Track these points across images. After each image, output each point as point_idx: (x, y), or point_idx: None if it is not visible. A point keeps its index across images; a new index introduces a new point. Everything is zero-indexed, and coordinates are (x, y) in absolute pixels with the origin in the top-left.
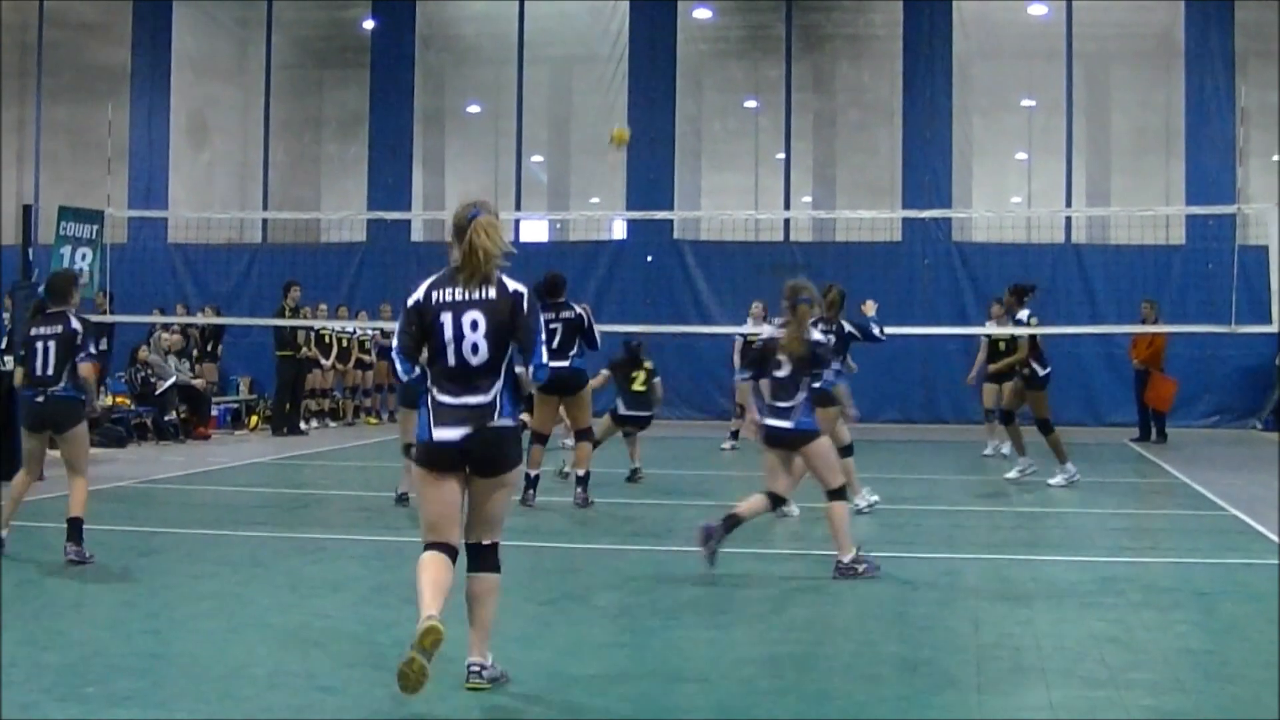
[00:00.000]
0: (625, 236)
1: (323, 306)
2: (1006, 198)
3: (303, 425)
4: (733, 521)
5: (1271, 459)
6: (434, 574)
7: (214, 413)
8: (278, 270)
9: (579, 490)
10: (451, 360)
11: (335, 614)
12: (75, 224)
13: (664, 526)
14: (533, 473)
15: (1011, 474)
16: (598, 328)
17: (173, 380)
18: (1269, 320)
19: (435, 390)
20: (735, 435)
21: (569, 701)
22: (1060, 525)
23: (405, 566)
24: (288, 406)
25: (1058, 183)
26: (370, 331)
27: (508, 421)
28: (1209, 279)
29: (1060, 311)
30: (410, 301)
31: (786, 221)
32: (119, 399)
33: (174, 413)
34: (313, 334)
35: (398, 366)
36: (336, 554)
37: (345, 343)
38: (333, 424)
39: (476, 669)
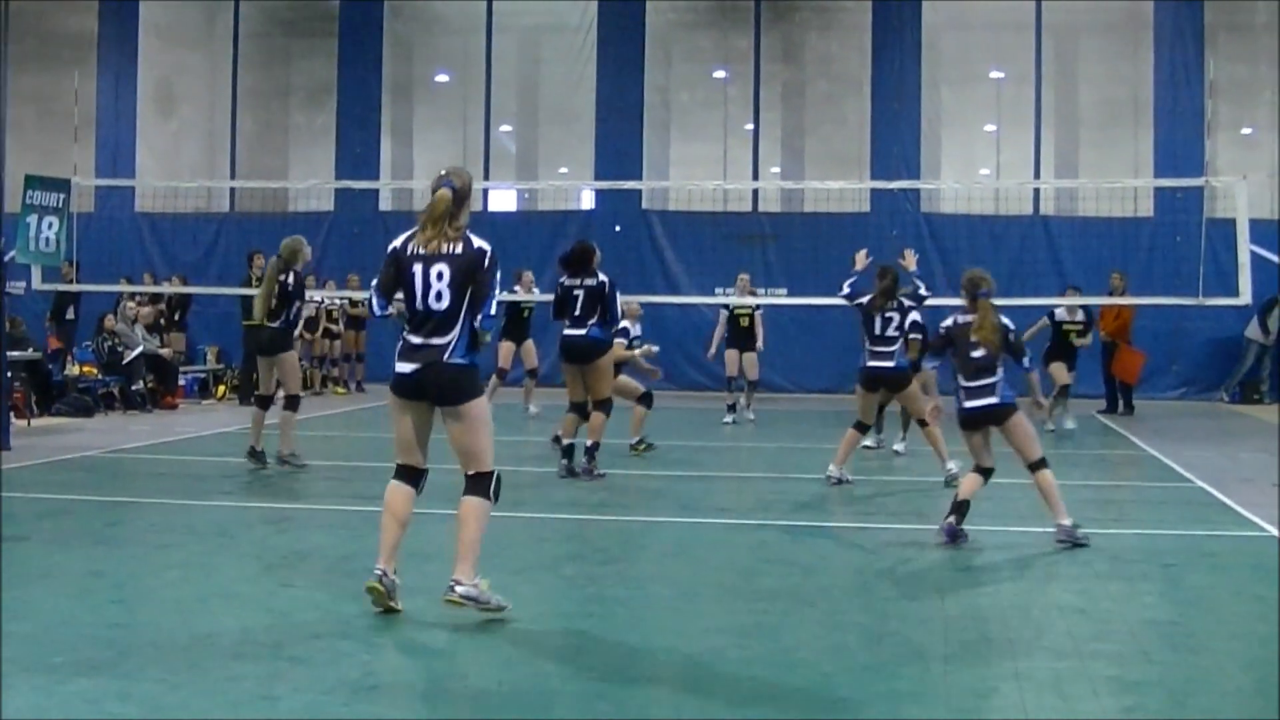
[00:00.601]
0: (593, 206)
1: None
2: (975, 169)
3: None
4: (964, 507)
5: (1238, 431)
6: (392, 506)
7: (181, 382)
8: (245, 239)
9: (587, 461)
10: (419, 306)
11: (302, 584)
12: (42, 192)
13: (632, 497)
14: (587, 441)
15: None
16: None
17: (140, 350)
18: (1236, 293)
19: (406, 331)
20: (733, 409)
21: (536, 670)
22: (1027, 496)
23: (372, 536)
24: (255, 376)
25: (1026, 155)
26: (338, 301)
27: (459, 360)
28: (1177, 251)
29: (1028, 283)
30: (389, 248)
31: (755, 192)
32: (86, 368)
33: (141, 382)
34: None
35: (374, 302)
36: (303, 524)
37: (313, 312)
38: (302, 392)
39: (454, 583)
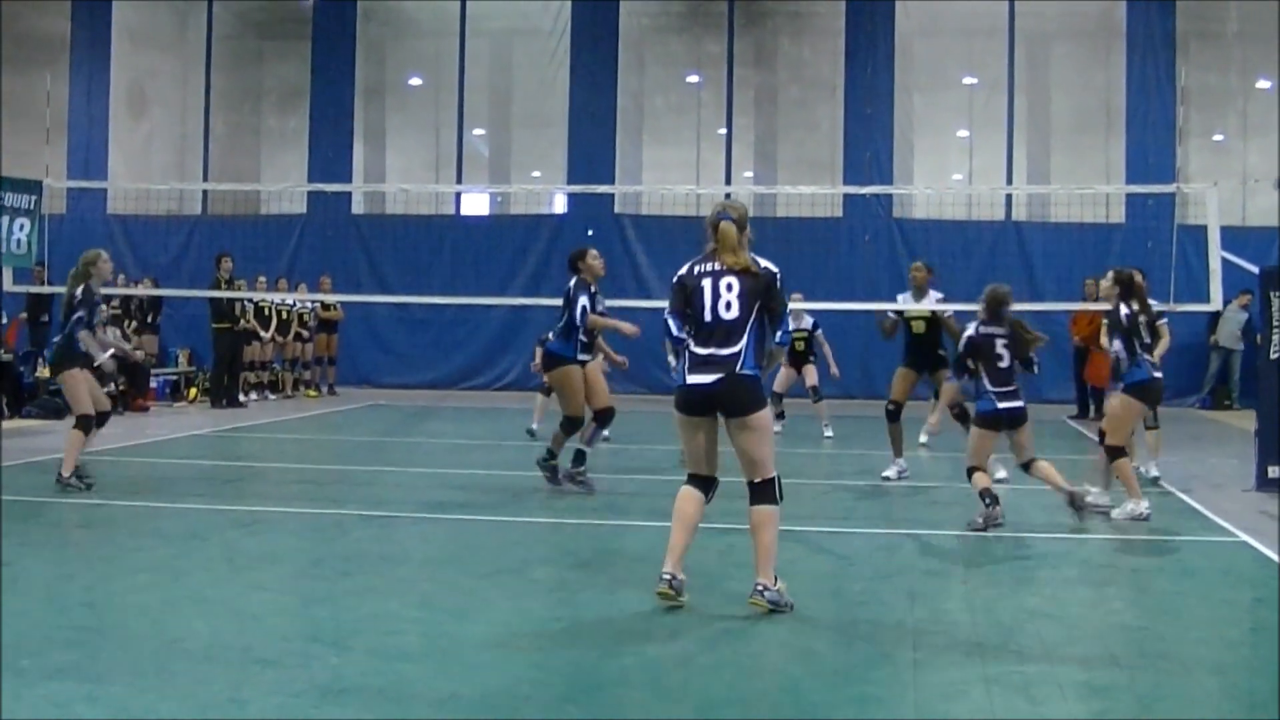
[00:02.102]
0: (566, 211)
1: (262, 279)
2: (947, 175)
3: (242, 397)
4: (1077, 499)
5: (1208, 437)
6: (685, 512)
7: (153, 385)
8: (217, 242)
9: (572, 465)
10: (708, 316)
11: (272, 587)
12: (13, 194)
13: (603, 501)
14: (583, 447)
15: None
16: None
17: (111, 352)
18: (1207, 299)
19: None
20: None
21: (505, 674)
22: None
23: (342, 540)
24: (226, 379)
25: (998, 160)
26: (310, 304)
27: (748, 371)
28: (1148, 257)
29: None
30: (675, 277)
31: (727, 197)
32: None
33: (112, 384)
34: (252, 306)
35: (670, 324)
36: (274, 527)
37: (285, 315)
38: (272, 396)
39: (760, 588)
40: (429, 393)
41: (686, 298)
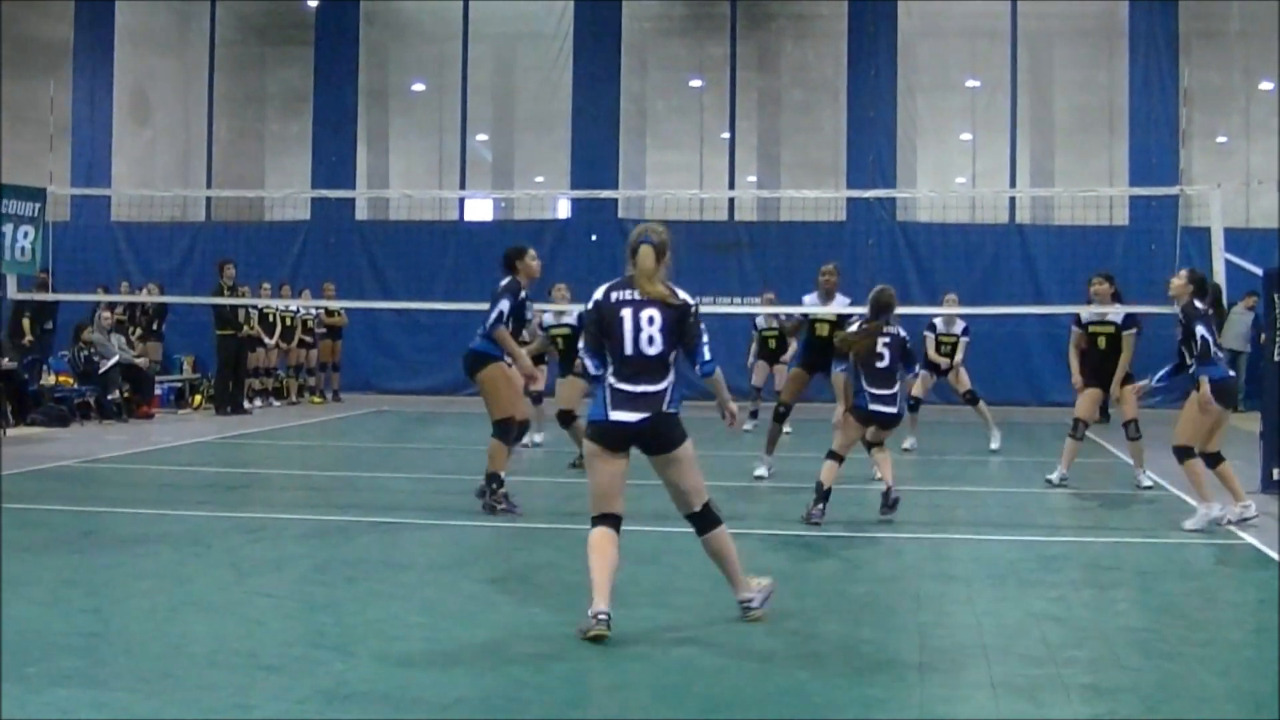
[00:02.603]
0: (569, 215)
1: (266, 285)
2: (951, 178)
3: (246, 404)
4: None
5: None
6: (603, 550)
7: (157, 392)
8: (221, 248)
9: (488, 492)
10: (629, 351)
11: (276, 593)
12: (17, 201)
13: None
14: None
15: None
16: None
17: (116, 359)
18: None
19: (614, 379)
20: (754, 415)
21: (509, 678)
22: (1001, 504)
23: (347, 545)
24: (231, 385)
25: (1002, 163)
26: (314, 311)
27: (673, 409)
28: (1151, 260)
29: (1003, 291)
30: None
31: (731, 201)
32: (62, 378)
33: (117, 392)
34: (256, 312)
35: (588, 364)
36: (278, 533)
37: (289, 321)
38: (276, 403)
39: (746, 603)
40: (433, 398)
41: (604, 329)
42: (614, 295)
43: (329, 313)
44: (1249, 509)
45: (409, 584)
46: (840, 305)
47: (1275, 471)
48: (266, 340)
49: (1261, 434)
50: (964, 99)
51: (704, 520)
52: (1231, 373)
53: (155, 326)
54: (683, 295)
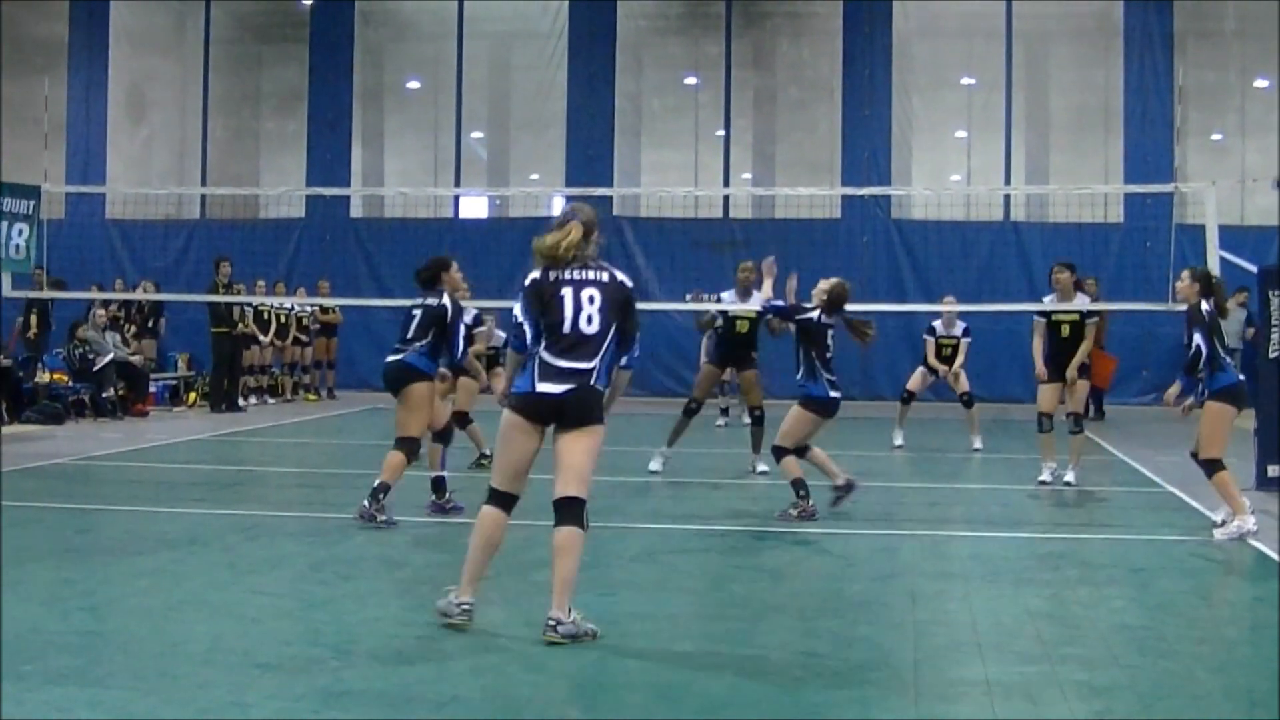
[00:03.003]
0: None
1: (260, 283)
2: (945, 175)
3: (241, 402)
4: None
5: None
6: (489, 534)
7: (152, 389)
8: (216, 246)
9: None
10: (568, 329)
11: (272, 591)
12: (12, 199)
13: (603, 504)
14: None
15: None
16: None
17: (110, 357)
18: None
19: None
20: (725, 412)
21: (506, 676)
22: (997, 501)
23: (343, 543)
24: (226, 383)
25: (997, 161)
26: (309, 308)
27: (600, 386)
28: (1147, 257)
29: (999, 289)
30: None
31: (726, 198)
32: (56, 375)
33: (112, 389)
34: (251, 310)
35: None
36: (274, 531)
37: (284, 319)
38: (271, 400)
39: (554, 623)
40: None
41: (544, 306)
42: (552, 274)
43: (324, 310)
44: (1247, 523)
45: (405, 582)
46: (757, 302)
47: (1270, 468)
48: (261, 338)
49: (1256, 431)
50: (959, 97)
51: (566, 512)
52: (1241, 376)
53: (150, 324)
54: (621, 276)
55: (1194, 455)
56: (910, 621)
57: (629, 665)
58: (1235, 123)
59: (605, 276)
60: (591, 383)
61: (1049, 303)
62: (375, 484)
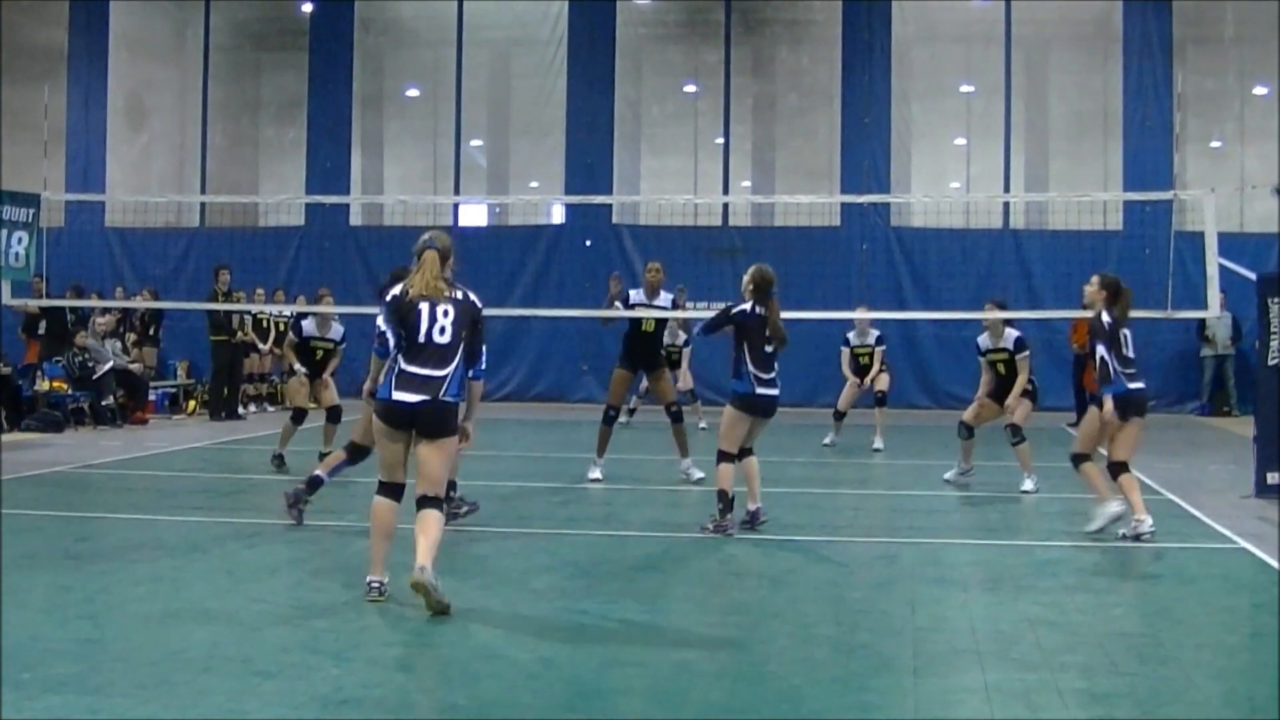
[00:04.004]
0: (564, 221)
1: (260, 290)
2: (945, 183)
3: (240, 410)
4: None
5: (1207, 444)
6: (382, 521)
7: (151, 397)
8: (215, 254)
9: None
10: (421, 339)
11: (271, 598)
12: (11, 207)
13: (601, 511)
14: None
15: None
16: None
17: (110, 364)
18: (1204, 306)
19: (403, 360)
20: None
21: (505, 683)
22: (996, 509)
23: (342, 551)
24: (225, 391)
25: (996, 168)
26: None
27: (451, 398)
28: (1146, 264)
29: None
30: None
31: (725, 206)
32: (56, 383)
33: (111, 397)
34: (250, 318)
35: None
36: (273, 538)
37: (283, 327)
38: (271, 408)
39: (422, 568)
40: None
41: (402, 319)
42: (410, 292)
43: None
44: (1144, 524)
45: (404, 589)
46: (665, 302)
47: (1270, 476)
48: (261, 346)
49: (1256, 438)
50: (958, 104)
51: (426, 502)
52: (1134, 385)
53: (150, 332)
54: (472, 296)
55: (1073, 456)
56: (909, 628)
57: (628, 672)
58: (1234, 129)
59: (460, 295)
60: (442, 394)
61: (982, 341)
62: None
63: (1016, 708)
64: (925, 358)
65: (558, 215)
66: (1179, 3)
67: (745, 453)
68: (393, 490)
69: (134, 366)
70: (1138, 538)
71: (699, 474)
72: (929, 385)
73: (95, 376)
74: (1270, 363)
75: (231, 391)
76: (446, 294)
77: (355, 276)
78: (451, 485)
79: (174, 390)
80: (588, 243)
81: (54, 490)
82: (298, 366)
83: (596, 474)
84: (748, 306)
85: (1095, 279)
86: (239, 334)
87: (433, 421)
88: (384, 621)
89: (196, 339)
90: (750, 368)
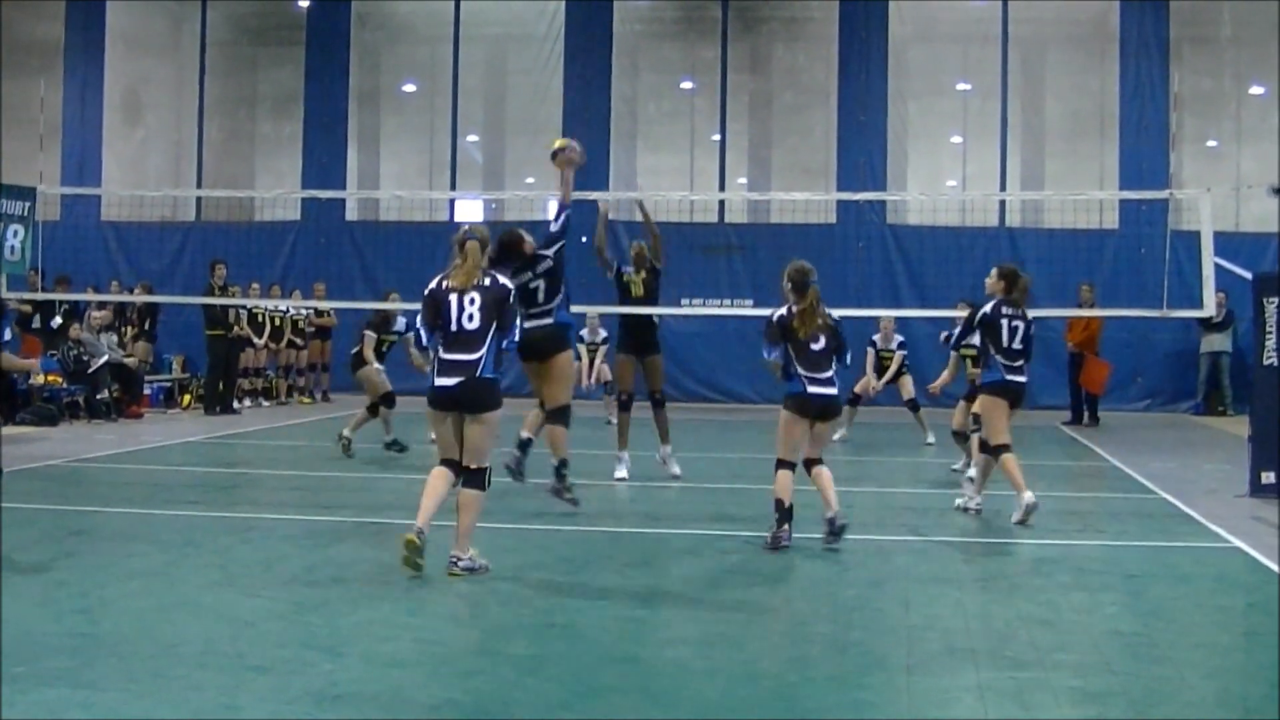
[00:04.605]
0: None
1: (255, 285)
2: (941, 181)
3: (236, 404)
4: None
5: (1202, 443)
6: (434, 484)
7: (147, 391)
8: (211, 248)
9: (556, 481)
10: (453, 327)
11: (265, 593)
12: (7, 200)
13: (596, 507)
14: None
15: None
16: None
17: (105, 358)
18: (1200, 305)
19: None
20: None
21: (499, 680)
22: (990, 507)
23: (336, 546)
24: (220, 385)
25: (992, 166)
26: (304, 311)
27: (488, 375)
28: (1141, 263)
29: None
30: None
31: (721, 203)
32: (51, 377)
33: (106, 391)
34: (245, 312)
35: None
36: (268, 533)
37: (278, 322)
38: (266, 403)
39: (454, 559)
40: (422, 399)
41: (436, 311)
42: (443, 284)
43: (319, 313)
44: (973, 501)
45: (398, 585)
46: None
47: (1264, 475)
48: (256, 340)
49: (1250, 438)
50: (955, 103)
51: (471, 479)
52: (1009, 376)
53: (146, 326)
54: (502, 279)
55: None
56: (904, 626)
57: (622, 669)
58: (1231, 129)
59: (487, 281)
60: (478, 374)
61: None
62: (555, 462)
63: (1010, 706)
64: (920, 356)
65: (553, 211)
66: (1176, 3)
67: (814, 463)
68: (451, 465)
69: (129, 360)
70: (967, 510)
71: (677, 469)
72: (924, 383)
73: (90, 370)
74: (1265, 362)
75: (227, 386)
76: (474, 282)
77: (351, 271)
78: (564, 464)
79: (169, 384)
80: (583, 239)
81: (48, 484)
82: (378, 366)
83: (622, 472)
84: (785, 310)
85: (995, 270)
86: (235, 328)
87: (471, 399)
88: (378, 617)
89: (192, 333)
90: (799, 369)
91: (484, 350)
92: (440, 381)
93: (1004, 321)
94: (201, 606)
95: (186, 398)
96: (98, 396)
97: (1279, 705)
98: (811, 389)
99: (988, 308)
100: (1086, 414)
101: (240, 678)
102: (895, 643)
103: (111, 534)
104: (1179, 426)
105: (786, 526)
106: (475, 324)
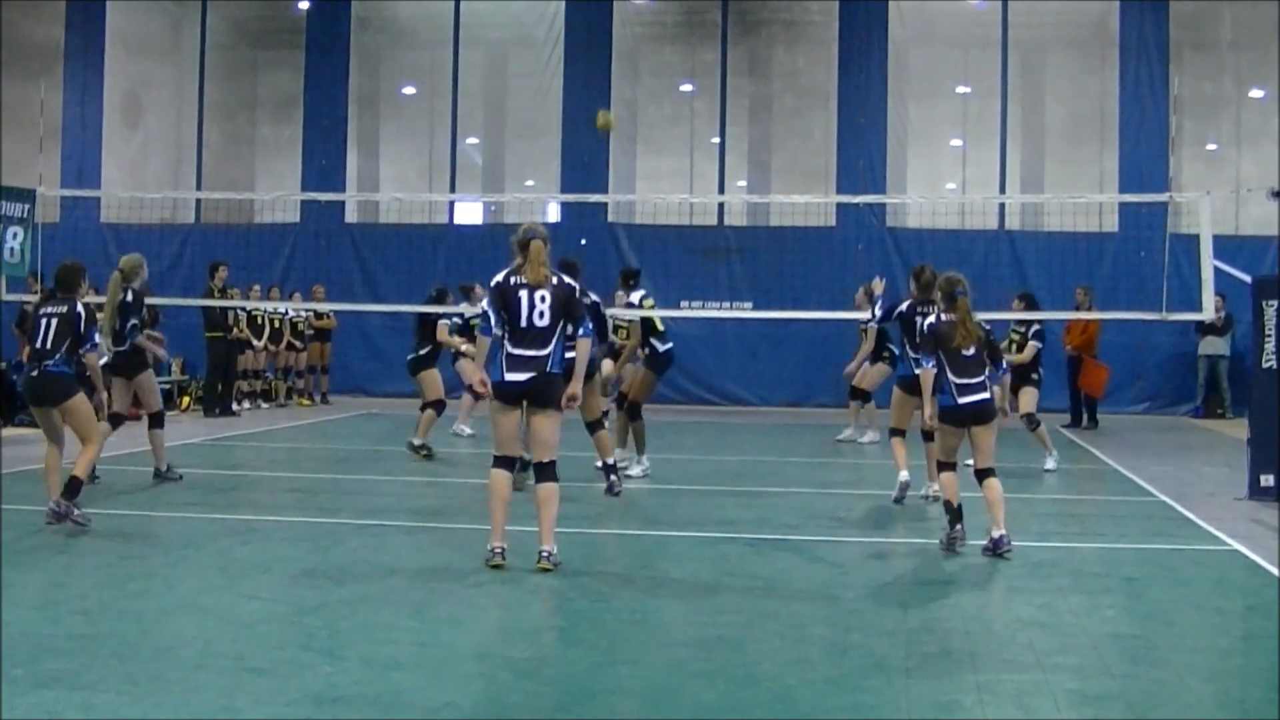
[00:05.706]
0: (559, 219)
1: (255, 287)
2: (941, 184)
3: (235, 406)
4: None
5: (1201, 446)
6: (499, 491)
7: None
8: (211, 251)
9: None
10: (523, 324)
11: (265, 595)
12: (6, 203)
13: (596, 509)
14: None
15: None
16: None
17: (104, 360)
18: (1199, 308)
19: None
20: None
21: (498, 683)
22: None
23: (336, 548)
24: (219, 387)
25: (992, 169)
26: (303, 313)
27: (556, 370)
28: (1141, 266)
29: (993, 297)
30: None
31: (721, 206)
32: None
33: (105, 393)
34: (245, 315)
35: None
36: (267, 535)
37: (278, 324)
38: (265, 405)
39: (546, 554)
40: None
41: (505, 302)
42: (512, 279)
43: (318, 315)
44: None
45: (397, 587)
46: (634, 299)
47: (1263, 478)
48: (255, 343)
49: (1249, 441)
50: (955, 105)
51: (544, 472)
52: (915, 370)
53: (151, 328)
54: (566, 279)
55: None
56: (902, 629)
57: (621, 672)
58: (1230, 133)
59: (555, 280)
60: (548, 369)
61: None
62: (608, 463)
63: (1009, 709)
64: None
65: (553, 214)
66: (1176, 6)
67: (985, 474)
68: (507, 463)
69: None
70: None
71: (637, 470)
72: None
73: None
74: (1264, 365)
75: (226, 388)
76: (545, 280)
77: (350, 273)
78: (611, 467)
79: (168, 386)
80: (583, 241)
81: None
82: (466, 348)
83: (636, 470)
84: (934, 316)
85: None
86: (234, 331)
87: (541, 393)
88: (378, 619)
89: (191, 335)
90: (950, 377)
91: (553, 346)
92: (511, 376)
93: (918, 320)
94: (201, 608)
95: (185, 400)
96: (97, 397)
97: (1278, 708)
98: (962, 399)
99: (902, 307)
100: (1085, 417)
101: (239, 679)
102: (894, 645)
103: (110, 536)
104: (1178, 429)
105: (960, 526)
106: (545, 321)
